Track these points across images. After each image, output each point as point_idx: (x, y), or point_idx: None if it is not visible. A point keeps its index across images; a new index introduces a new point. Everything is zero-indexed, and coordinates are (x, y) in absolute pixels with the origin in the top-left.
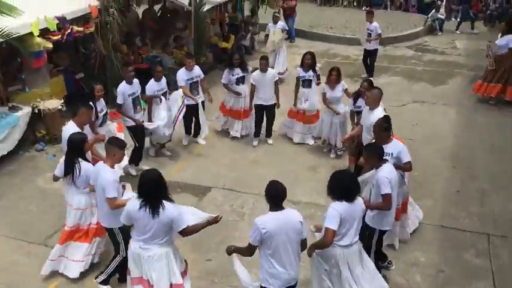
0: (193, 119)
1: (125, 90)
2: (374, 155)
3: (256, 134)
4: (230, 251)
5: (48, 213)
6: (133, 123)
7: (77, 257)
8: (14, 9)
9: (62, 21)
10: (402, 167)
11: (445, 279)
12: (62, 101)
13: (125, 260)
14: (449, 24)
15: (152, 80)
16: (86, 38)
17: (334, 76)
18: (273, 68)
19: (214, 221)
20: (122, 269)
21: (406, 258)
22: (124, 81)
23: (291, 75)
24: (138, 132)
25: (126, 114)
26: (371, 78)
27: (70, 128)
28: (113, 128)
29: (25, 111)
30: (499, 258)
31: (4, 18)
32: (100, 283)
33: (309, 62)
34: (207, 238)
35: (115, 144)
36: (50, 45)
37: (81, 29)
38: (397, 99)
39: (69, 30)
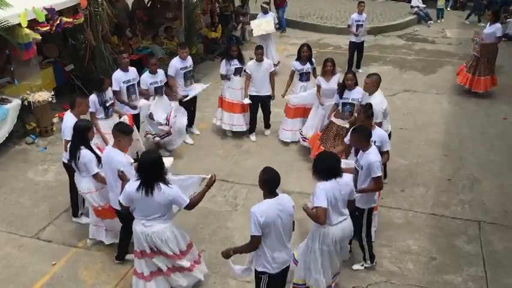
0: (191, 108)
1: (119, 77)
2: (363, 137)
3: (252, 128)
4: (229, 254)
5: (40, 206)
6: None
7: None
8: (1, 1)
9: (51, 12)
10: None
11: (437, 266)
12: (52, 93)
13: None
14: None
15: (147, 72)
16: (76, 29)
17: (329, 67)
18: None
19: (211, 183)
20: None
21: (398, 246)
22: (119, 69)
23: (285, 66)
24: (133, 119)
25: (121, 100)
26: (359, 70)
27: (69, 118)
28: (124, 119)
29: (14, 104)
30: (489, 244)
31: None
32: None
33: (306, 54)
34: (200, 229)
35: (118, 130)
36: (39, 37)
37: (70, 20)
38: (388, 88)
39: (58, 22)
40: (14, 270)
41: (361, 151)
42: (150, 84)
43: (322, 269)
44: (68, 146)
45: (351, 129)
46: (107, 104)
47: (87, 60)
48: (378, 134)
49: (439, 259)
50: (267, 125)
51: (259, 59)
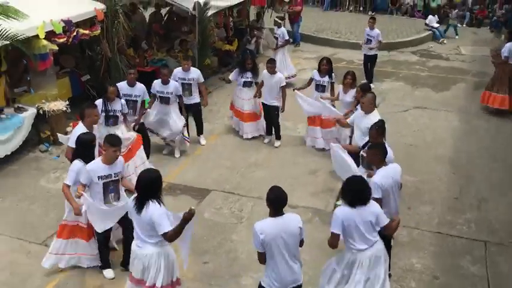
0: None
1: (121, 88)
2: (379, 153)
3: (267, 132)
4: None
5: (50, 213)
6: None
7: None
8: (19, 13)
9: (68, 24)
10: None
11: (440, 285)
12: (67, 102)
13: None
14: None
15: (159, 81)
16: (92, 40)
17: (349, 80)
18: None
19: (189, 215)
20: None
21: (401, 264)
22: (125, 81)
23: (298, 80)
24: (139, 131)
25: None
26: (371, 84)
27: (79, 130)
28: (132, 136)
29: (30, 112)
30: (495, 265)
31: (11, 22)
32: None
33: (325, 67)
34: (204, 241)
35: (106, 140)
36: (56, 48)
37: (86, 32)
38: (399, 104)
39: (74, 33)
40: (21, 277)
41: (374, 168)
42: (157, 91)
43: None
44: (71, 155)
45: (368, 145)
46: (109, 114)
47: (103, 72)
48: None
49: (442, 279)
50: (278, 137)
51: (272, 72)
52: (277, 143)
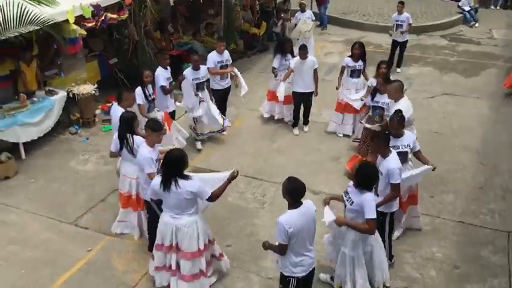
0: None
1: (162, 73)
2: (382, 143)
3: (295, 123)
4: (265, 247)
5: (80, 194)
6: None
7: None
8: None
9: (97, 9)
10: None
11: (460, 275)
12: (96, 85)
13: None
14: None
15: (189, 68)
16: (120, 24)
17: (383, 70)
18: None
19: (233, 177)
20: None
21: (422, 252)
22: (160, 66)
23: (321, 64)
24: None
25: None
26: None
27: (118, 110)
28: (160, 116)
29: (61, 95)
30: None
31: (42, 7)
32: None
33: (357, 51)
34: (227, 224)
35: (147, 126)
36: (84, 32)
37: (114, 16)
38: (426, 90)
39: (103, 18)
40: (52, 254)
41: (380, 157)
42: (192, 80)
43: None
44: (116, 135)
45: (371, 137)
46: (149, 98)
47: (130, 55)
48: (408, 137)
49: (463, 268)
50: (306, 122)
51: (303, 57)
52: (306, 128)
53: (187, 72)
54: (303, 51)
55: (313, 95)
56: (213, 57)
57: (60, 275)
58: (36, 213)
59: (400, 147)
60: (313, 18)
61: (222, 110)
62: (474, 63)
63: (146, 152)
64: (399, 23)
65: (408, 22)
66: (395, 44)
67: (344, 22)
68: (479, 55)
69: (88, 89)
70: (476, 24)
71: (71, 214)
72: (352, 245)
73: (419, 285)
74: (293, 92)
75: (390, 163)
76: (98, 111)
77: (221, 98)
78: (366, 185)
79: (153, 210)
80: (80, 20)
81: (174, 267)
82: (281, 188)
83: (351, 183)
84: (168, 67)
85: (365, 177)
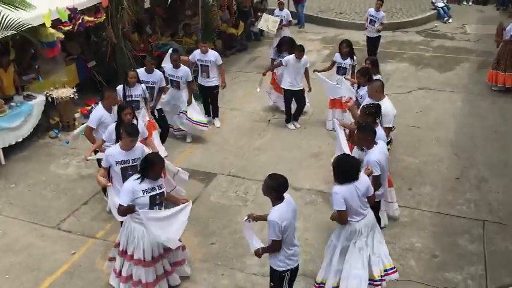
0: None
1: (140, 75)
2: (369, 135)
3: (288, 119)
4: (259, 254)
5: (61, 198)
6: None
7: None
8: (25, 3)
9: (73, 12)
10: None
11: (439, 263)
12: (75, 89)
13: None
14: (460, 8)
15: (170, 66)
16: (97, 26)
17: (367, 65)
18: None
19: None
20: None
21: (401, 243)
22: (143, 68)
23: None
24: (155, 118)
25: None
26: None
27: (99, 108)
28: (145, 121)
29: (39, 100)
30: (492, 243)
31: (17, 11)
32: None
33: (346, 50)
34: (211, 222)
35: (124, 130)
36: (62, 36)
37: (91, 19)
38: (402, 85)
39: (80, 21)
40: (36, 258)
41: (365, 149)
42: (168, 75)
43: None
44: (113, 126)
45: (357, 128)
46: (129, 99)
47: (109, 57)
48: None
49: (441, 257)
50: (296, 117)
51: (299, 57)
52: (297, 124)
53: (167, 67)
54: (301, 51)
55: (307, 91)
56: (195, 55)
57: (44, 279)
58: (17, 218)
59: None
60: (290, 17)
61: (215, 108)
62: (449, 58)
63: (116, 152)
64: (373, 18)
65: (382, 21)
66: (368, 40)
67: (321, 20)
68: (453, 50)
69: (67, 92)
70: (450, 20)
71: (54, 218)
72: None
73: (400, 275)
74: (284, 89)
75: (372, 155)
76: (77, 115)
77: (206, 96)
78: (346, 178)
79: None
80: (56, 23)
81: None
82: (262, 186)
83: None
84: (155, 71)
85: (341, 170)
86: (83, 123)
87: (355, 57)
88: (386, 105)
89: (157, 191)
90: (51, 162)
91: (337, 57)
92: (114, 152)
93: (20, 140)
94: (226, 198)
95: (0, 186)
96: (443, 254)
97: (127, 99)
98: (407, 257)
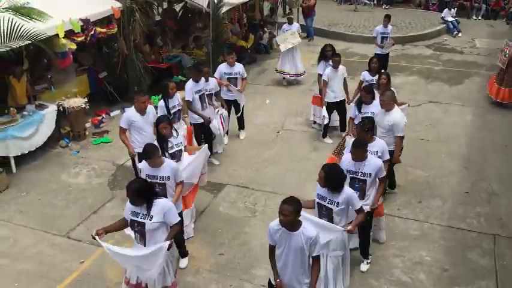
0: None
1: (191, 87)
2: (365, 149)
3: (325, 133)
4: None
5: (72, 207)
6: (198, 121)
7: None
8: (43, 15)
9: (86, 23)
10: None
11: (449, 278)
12: (86, 99)
13: None
14: (470, 22)
15: (190, 81)
16: (109, 38)
17: (384, 80)
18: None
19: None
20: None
21: (411, 256)
22: (191, 79)
23: (310, 75)
24: (204, 129)
25: (194, 110)
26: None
27: (129, 110)
28: (184, 129)
29: (51, 109)
30: (503, 258)
31: (33, 22)
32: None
33: (375, 65)
34: (219, 234)
35: (143, 150)
36: (74, 46)
37: (104, 30)
38: (412, 99)
39: (92, 32)
40: (46, 267)
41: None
42: (196, 91)
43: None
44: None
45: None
46: (172, 111)
47: (120, 68)
48: (378, 144)
49: (452, 271)
50: (343, 128)
51: (336, 67)
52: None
53: (188, 86)
54: (339, 58)
55: (346, 103)
56: (221, 69)
57: (54, 287)
58: (28, 226)
59: (370, 151)
60: (300, 30)
61: (241, 121)
62: (458, 72)
63: (145, 167)
64: (385, 35)
65: (390, 35)
66: (380, 57)
67: (330, 34)
68: (462, 64)
69: (78, 102)
70: (460, 34)
71: (64, 226)
72: (342, 245)
73: None
74: (327, 103)
75: (374, 160)
76: (88, 125)
77: (236, 108)
78: (340, 185)
79: None
80: (69, 34)
81: None
82: (285, 214)
83: (320, 189)
84: (202, 80)
85: (339, 178)
86: (93, 133)
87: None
88: (397, 114)
89: (158, 180)
90: (62, 171)
91: (366, 75)
92: (143, 166)
93: (32, 149)
94: (235, 209)
95: (11, 195)
96: (454, 268)
97: (171, 111)
98: (416, 270)
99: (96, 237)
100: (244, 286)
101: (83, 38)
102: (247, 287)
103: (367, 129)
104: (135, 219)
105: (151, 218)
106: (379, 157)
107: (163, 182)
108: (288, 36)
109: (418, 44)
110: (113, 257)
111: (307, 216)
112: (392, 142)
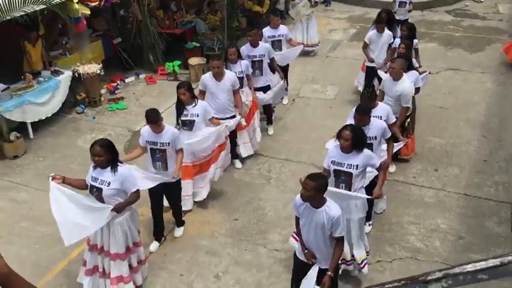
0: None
1: (245, 50)
2: (366, 114)
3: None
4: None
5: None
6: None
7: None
8: None
9: None
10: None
11: (464, 245)
12: (101, 65)
13: None
14: None
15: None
16: (123, 3)
17: (402, 49)
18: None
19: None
20: None
21: (427, 224)
22: (248, 43)
23: (325, 42)
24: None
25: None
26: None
27: (205, 74)
28: (249, 100)
29: (66, 75)
30: None
31: None
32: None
33: (405, 33)
34: (234, 199)
35: (145, 115)
36: (88, 12)
37: None
38: (431, 66)
39: None
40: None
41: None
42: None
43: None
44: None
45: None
46: (238, 76)
47: (134, 34)
48: (381, 108)
49: (467, 238)
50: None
51: (380, 31)
52: None
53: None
54: (383, 23)
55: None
56: (265, 32)
57: (73, 249)
58: (46, 191)
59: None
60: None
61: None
62: (479, 38)
63: (146, 132)
64: (403, 0)
65: (411, 1)
66: (397, 22)
67: None
68: (484, 30)
69: (93, 68)
70: None
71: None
72: (363, 207)
73: (424, 255)
74: (366, 67)
75: (376, 125)
76: (103, 91)
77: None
78: (362, 146)
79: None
80: None
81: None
82: (308, 188)
83: (334, 155)
84: (260, 44)
85: (364, 135)
86: (108, 100)
87: (415, 40)
88: (406, 84)
89: (158, 146)
90: (78, 137)
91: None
92: (144, 131)
93: (49, 115)
94: (250, 176)
95: (29, 160)
96: (470, 236)
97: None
98: (431, 238)
99: (53, 180)
100: (259, 250)
101: (97, 3)
102: (262, 251)
103: (370, 95)
104: (94, 184)
105: (109, 184)
106: (384, 121)
107: (163, 148)
108: (301, 9)
109: (438, 9)
110: (53, 208)
111: (332, 189)
112: (398, 111)
